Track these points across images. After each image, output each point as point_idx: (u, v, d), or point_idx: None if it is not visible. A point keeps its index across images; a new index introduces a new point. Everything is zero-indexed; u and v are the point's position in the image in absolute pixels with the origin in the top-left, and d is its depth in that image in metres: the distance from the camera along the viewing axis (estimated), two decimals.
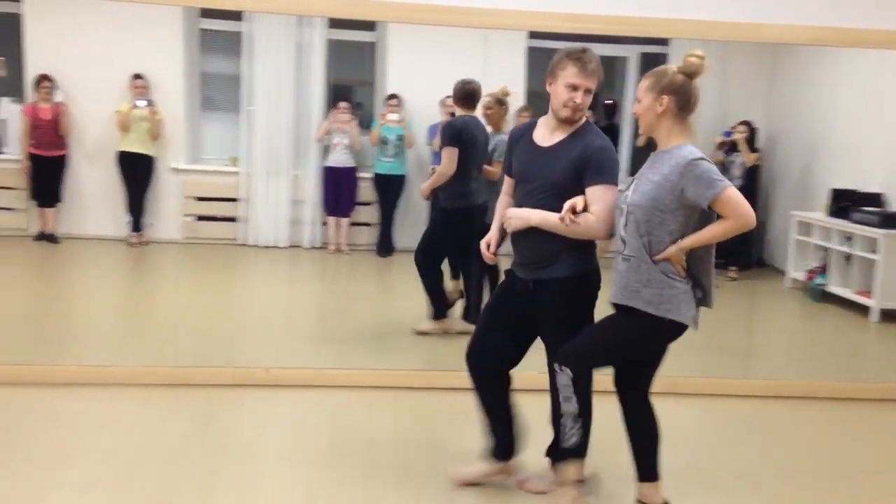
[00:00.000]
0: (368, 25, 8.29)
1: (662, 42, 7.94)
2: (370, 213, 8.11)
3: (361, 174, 7.94)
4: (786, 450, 3.61)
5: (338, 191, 7.86)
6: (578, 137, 2.75)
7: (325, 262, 7.50)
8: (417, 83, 7.92)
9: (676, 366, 4.73)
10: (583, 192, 2.69)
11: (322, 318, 5.54)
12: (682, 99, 2.57)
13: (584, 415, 2.68)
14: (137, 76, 7.43)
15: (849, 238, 6.48)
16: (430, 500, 2.91)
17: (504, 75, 7.96)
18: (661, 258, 2.55)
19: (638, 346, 2.68)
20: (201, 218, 7.43)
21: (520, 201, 2.84)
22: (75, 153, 7.60)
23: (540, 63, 8.26)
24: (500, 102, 5.44)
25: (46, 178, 7.35)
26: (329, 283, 6.86)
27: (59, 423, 3.43)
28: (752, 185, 7.55)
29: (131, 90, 7.45)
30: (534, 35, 8.02)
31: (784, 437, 3.76)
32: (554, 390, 2.75)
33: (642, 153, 7.90)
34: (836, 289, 6.57)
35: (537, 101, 8.49)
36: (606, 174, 2.70)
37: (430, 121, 7.77)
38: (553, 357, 2.73)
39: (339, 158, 7.77)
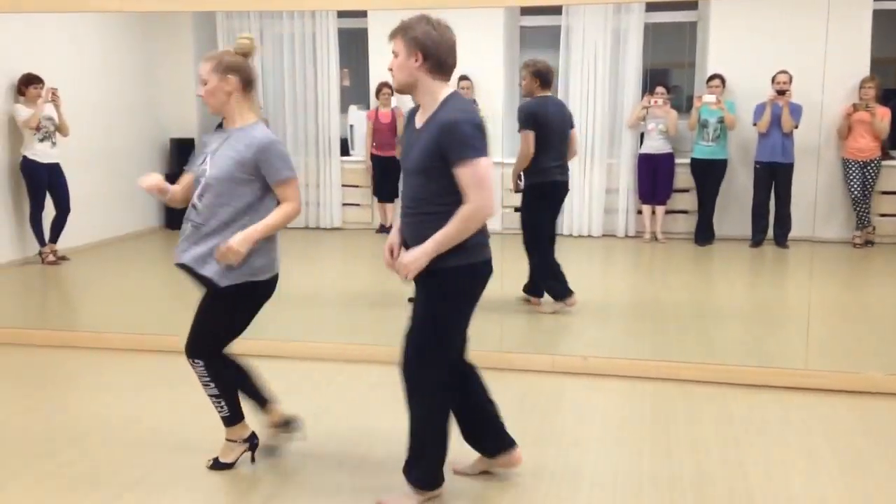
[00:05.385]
0: (689, 5, 8.00)
1: None
2: (687, 201, 7.83)
3: (678, 160, 7.70)
4: None
5: (654, 178, 7.69)
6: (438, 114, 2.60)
7: (640, 251, 7.39)
8: (742, 62, 7.47)
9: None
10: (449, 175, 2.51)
11: (637, 308, 5.47)
12: (245, 77, 2.81)
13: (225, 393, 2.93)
14: (463, 77, 7.91)
15: None
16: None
17: (848, 45, 7.21)
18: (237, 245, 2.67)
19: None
20: (517, 210, 7.71)
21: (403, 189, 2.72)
22: None
23: (885, 27, 7.36)
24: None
25: (385, 176, 8.18)
26: (644, 273, 6.75)
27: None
28: None
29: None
30: None
31: None
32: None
33: None
34: None
35: (883, 70, 7.54)
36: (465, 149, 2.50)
37: (756, 100, 7.31)
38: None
39: (655, 144, 7.61)
